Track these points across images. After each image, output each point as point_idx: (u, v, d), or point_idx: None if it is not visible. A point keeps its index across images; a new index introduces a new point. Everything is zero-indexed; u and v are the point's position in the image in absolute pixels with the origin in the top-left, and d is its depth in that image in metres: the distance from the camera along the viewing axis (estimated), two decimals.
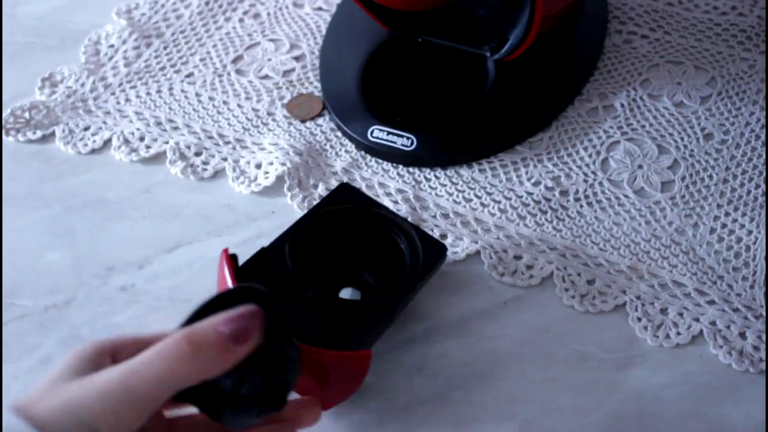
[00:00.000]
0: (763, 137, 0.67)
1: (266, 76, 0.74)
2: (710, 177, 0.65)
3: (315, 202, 0.65)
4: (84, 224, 0.66)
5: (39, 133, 0.71)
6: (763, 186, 0.64)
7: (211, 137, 0.70)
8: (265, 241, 0.57)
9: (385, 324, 0.55)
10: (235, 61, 0.76)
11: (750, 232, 0.62)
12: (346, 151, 0.68)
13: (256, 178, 0.67)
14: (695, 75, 0.71)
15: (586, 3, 0.74)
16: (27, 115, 0.72)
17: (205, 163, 0.69)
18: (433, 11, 0.71)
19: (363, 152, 0.68)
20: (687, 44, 0.74)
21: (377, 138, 0.67)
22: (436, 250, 0.57)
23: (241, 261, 0.55)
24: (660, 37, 0.75)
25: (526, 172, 0.66)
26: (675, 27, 0.75)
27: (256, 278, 0.54)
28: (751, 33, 0.73)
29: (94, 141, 0.71)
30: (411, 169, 0.67)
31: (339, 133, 0.70)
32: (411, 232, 0.57)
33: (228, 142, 0.70)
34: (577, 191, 0.65)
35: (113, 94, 0.74)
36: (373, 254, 0.58)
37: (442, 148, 0.67)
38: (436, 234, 0.63)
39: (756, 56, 0.72)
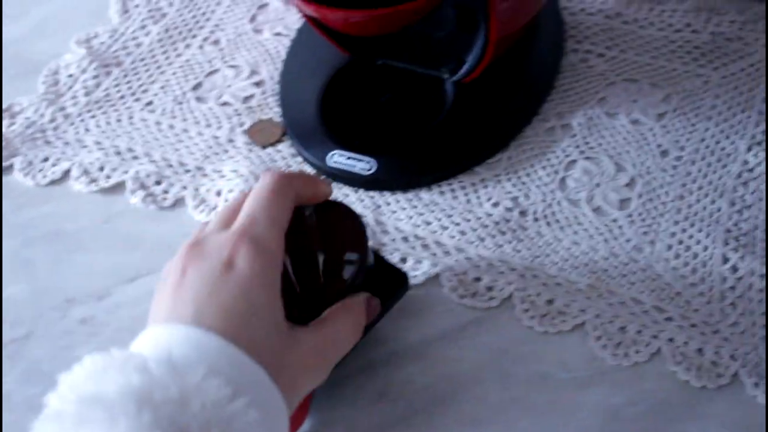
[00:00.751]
0: (717, 153, 0.68)
1: (226, 103, 0.74)
2: (666, 194, 0.66)
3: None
4: (43, 256, 0.66)
5: None
6: (718, 202, 0.65)
7: (171, 165, 0.70)
8: None
9: None
10: (195, 88, 0.76)
11: (706, 248, 0.62)
12: None
13: (216, 206, 0.67)
14: (651, 92, 0.72)
15: (542, 23, 0.75)
16: None
17: (165, 191, 0.69)
18: (392, 34, 0.71)
19: (324, 177, 0.68)
20: (643, 62, 0.74)
21: (337, 162, 0.67)
22: (396, 281, 0.57)
23: None
24: (616, 55, 0.75)
25: (486, 193, 0.67)
26: (631, 45, 0.76)
27: None
28: (705, 50, 0.74)
29: (54, 172, 0.70)
30: (371, 193, 0.67)
31: (300, 159, 0.70)
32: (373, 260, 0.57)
33: (188, 170, 0.70)
34: (536, 211, 0.65)
35: (72, 124, 0.74)
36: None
37: (401, 172, 0.67)
38: (396, 258, 0.63)
39: (710, 72, 0.73)
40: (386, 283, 0.56)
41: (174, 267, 0.47)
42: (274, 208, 0.49)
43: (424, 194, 0.67)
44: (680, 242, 0.63)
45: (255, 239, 0.46)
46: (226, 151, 0.71)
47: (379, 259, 0.57)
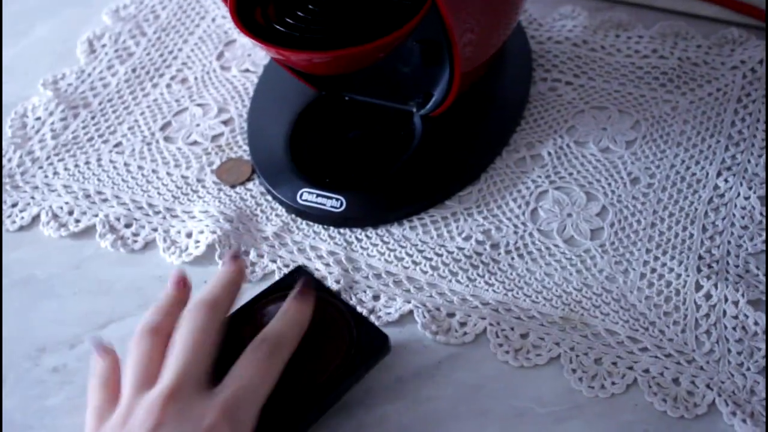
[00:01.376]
0: (688, 179, 0.68)
1: (195, 142, 0.74)
2: (638, 222, 0.66)
3: (247, 269, 0.64)
4: (13, 304, 0.65)
5: None
6: (690, 228, 0.65)
7: (140, 208, 0.69)
8: None
9: (306, 419, 0.54)
10: (163, 128, 0.76)
11: (679, 276, 0.62)
12: (277, 215, 0.68)
13: (186, 248, 0.67)
14: (620, 119, 0.72)
15: (509, 52, 0.75)
16: None
17: (135, 234, 0.68)
18: (358, 70, 0.71)
19: (293, 216, 0.68)
20: (611, 89, 0.75)
21: (306, 201, 0.67)
22: (378, 343, 0.56)
23: None
24: (584, 83, 0.75)
25: (457, 227, 0.66)
26: (598, 72, 0.76)
27: None
28: (672, 75, 0.75)
29: (22, 218, 0.70)
30: (342, 230, 0.67)
31: (269, 197, 0.69)
32: (352, 322, 0.56)
33: (158, 212, 0.69)
34: (507, 244, 0.65)
35: (41, 167, 0.73)
36: (315, 345, 0.57)
37: (371, 208, 0.67)
38: (369, 295, 0.63)
39: (678, 98, 0.73)
40: (368, 344, 0.56)
41: (145, 413, 0.47)
42: (261, 381, 0.50)
43: (396, 230, 0.67)
44: (653, 270, 0.63)
45: (236, 422, 0.48)
46: (196, 192, 0.70)
47: (363, 320, 0.57)
